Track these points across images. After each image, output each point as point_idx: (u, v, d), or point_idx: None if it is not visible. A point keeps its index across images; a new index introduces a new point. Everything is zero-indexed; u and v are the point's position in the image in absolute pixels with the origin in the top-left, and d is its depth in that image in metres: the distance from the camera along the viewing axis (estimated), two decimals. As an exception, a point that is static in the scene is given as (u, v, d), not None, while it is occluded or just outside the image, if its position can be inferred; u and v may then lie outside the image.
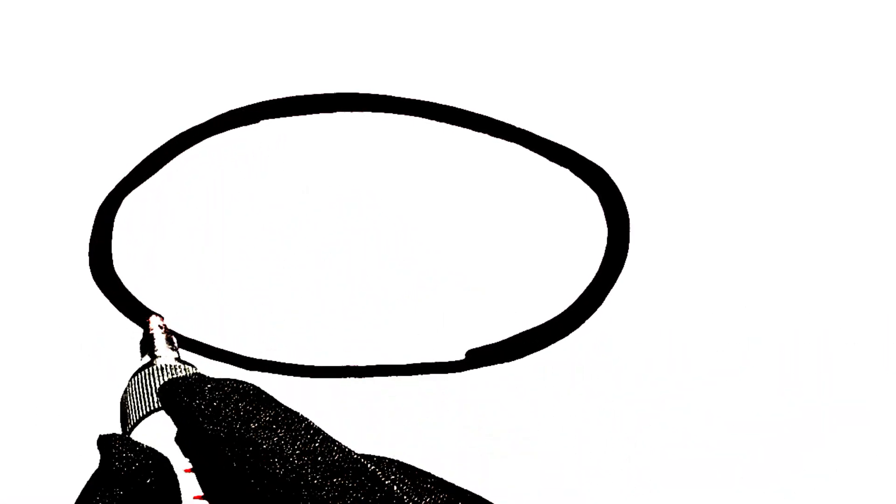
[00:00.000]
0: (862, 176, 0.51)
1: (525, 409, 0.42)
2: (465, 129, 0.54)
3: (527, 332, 0.44)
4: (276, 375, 0.43)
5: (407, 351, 0.44)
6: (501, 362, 0.44)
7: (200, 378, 0.32)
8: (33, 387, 0.42)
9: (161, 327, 0.40)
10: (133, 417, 0.36)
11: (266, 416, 0.29)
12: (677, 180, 0.52)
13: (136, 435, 0.35)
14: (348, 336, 0.44)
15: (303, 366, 0.43)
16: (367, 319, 0.45)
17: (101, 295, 0.46)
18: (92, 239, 0.48)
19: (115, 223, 0.49)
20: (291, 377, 0.43)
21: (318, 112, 0.55)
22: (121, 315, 0.45)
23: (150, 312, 0.41)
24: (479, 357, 0.43)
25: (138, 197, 0.50)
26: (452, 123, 0.54)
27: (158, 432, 0.35)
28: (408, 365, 0.43)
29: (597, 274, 0.47)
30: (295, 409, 0.30)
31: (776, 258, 0.48)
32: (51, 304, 0.45)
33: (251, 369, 0.43)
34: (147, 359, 0.39)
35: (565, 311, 0.45)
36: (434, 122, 0.54)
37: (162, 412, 0.35)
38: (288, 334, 0.44)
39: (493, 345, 0.44)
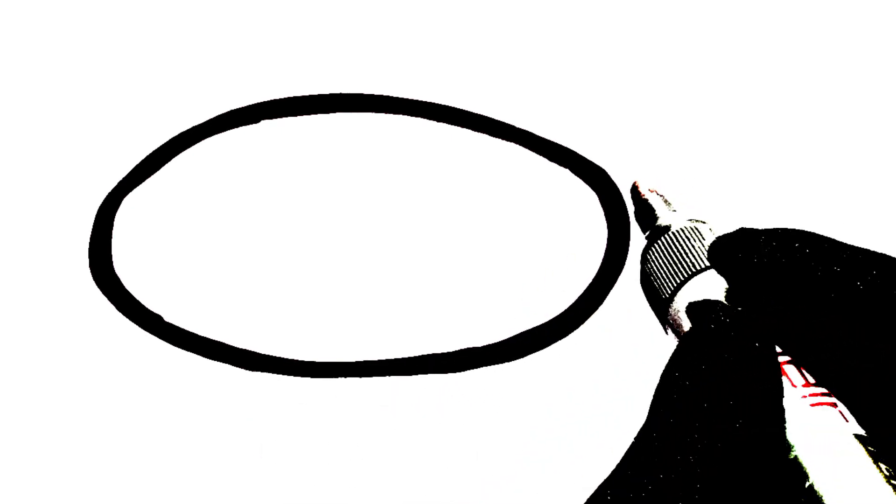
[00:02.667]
0: (862, 177, 0.51)
1: (525, 410, 0.42)
2: (465, 129, 0.54)
3: (527, 332, 0.44)
4: (276, 376, 0.43)
5: (406, 351, 0.44)
6: (501, 362, 0.44)
7: (750, 230, 0.30)
8: (33, 387, 0.42)
9: (652, 191, 0.38)
10: (667, 289, 0.34)
11: (841, 254, 0.27)
12: (677, 180, 0.51)
13: (677, 304, 0.33)
14: (348, 336, 0.44)
15: (303, 366, 0.43)
16: (366, 319, 0.45)
17: (101, 295, 0.46)
18: (92, 239, 0.48)
19: (115, 223, 0.49)
20: (291, 377, 0.43)
21: (318, 112, 0.55)
22: (121, 315, 0.45)
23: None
24: (479, 357, 0.43)
25: (138, 197, 0.50)
26: (452, 123, 0.54)
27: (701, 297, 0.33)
28: (407, 365, 0.43)
29: (597, 274, 0.47)
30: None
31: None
32: (51, 304, 0.45)
33: (252, 369, 0.43)
34: (654, 229, 0.37)
35: (565, 311, 0.45)
36: (434, 122, 0.54)
37: (696, 277, 0.33)
38: (288, 334, 0.44)
39: (493, 345, 0.44)
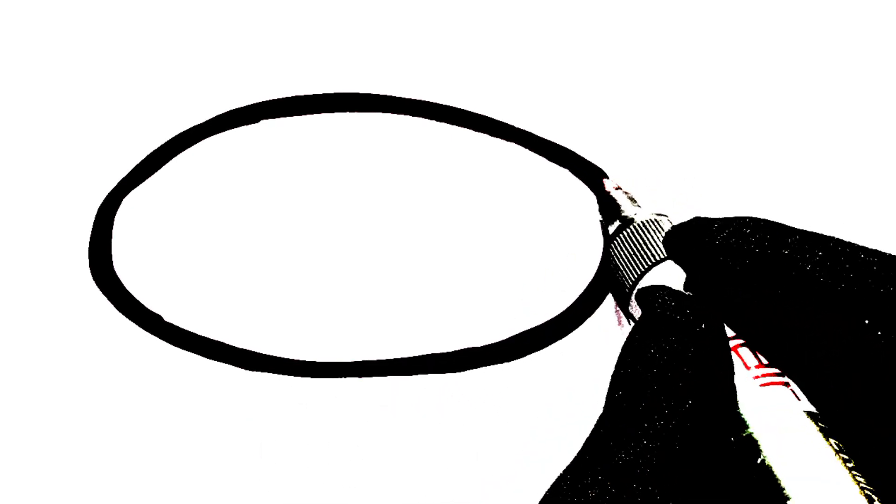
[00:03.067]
0: (862, 178, 0.51)
1: (525, 410, 0.42)
2: (465, 129, 0.54)
3: (527, 332, 0.44)
4: (276, 376, 0.43)
5: (406, 351, 0.44)
6: (501, 362, 0.44)
7: (703, 219, 0.31)
8: (33, 387, 0.42)
9: (617, 188, 0.40)
10: (629, 280, 0.35)
11: (791, 238, 0.27)
12: (677, 180, 0.51)
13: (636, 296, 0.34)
14: (348, 336, 0.44)
15: (302, 365, 0.43)
16: (366, 319, 0.45)
17: (101, 295, 0.46)
18: (91, 239, 0.48)
19: (115, 223, 0.49)
20: (291, 377, 0.43)
21: (318, 112, 0.55)
22: (121, 315, 0.45)
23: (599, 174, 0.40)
24: (479, 357, 0.43)
25: (138, 197, 0.50)
26: (452, 123, 0.54)
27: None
28: (407, 365, 0.43)
29: (597, 274, 0.47)
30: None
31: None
32: (50, 304, 0.45)
33: (252, 369, 0.43)
34: (616, 224, 0.38)
35: (565, 311, 0.45)
36: (434, 122, 0.54)
37: (655, 268, 0.34)
38: (288, 334, 0.44)
39: (493, 345, 0.44)
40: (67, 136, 0.53)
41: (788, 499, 0.25)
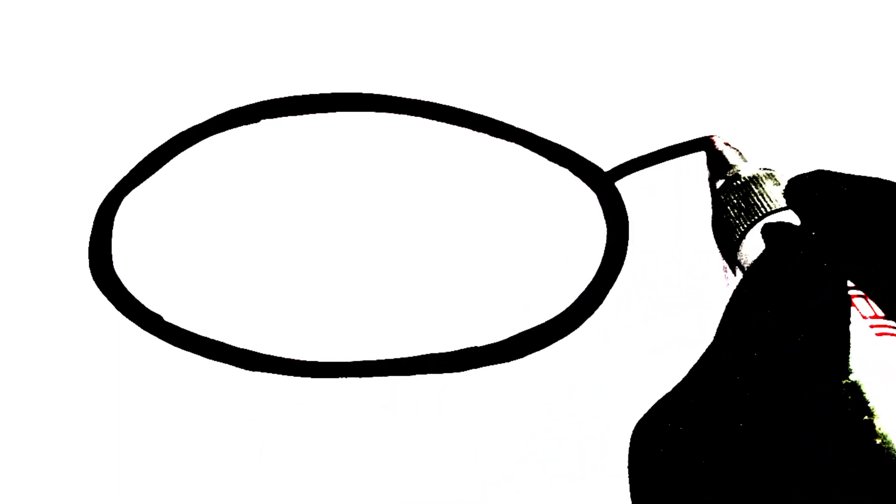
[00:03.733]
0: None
1: (525, 410, 0.42)
2: (465, 129, 0.54)
3: (527, 332, 0.44)
4: (276, 376, 0.43)
5: (406, 351, 0.44)
6: (501, 362, 0.44)
7: (826, 172, 0.31)
8: (33, 387, 0.42)
9: (726, 143, 0.41)
10: (740, 228, 0.36)
11: None
12: (677, 180, 0.51)
13: (746, 243, 0.35)
14: (348, 336, 0.44)
15: (302, 365, 0.43)
16: (366, 319, 0.45)
17: (101, 295, 0.46)
18: (91, 238, 0.48)
19: (115, 223, 0.49)
20: (291, 377, 0.43)
21: (318, 112, 0.55)
22: (120, 315, 0.45)
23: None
24: (479, 357, 0.43)
25: (138, 196, 0.50)
26: (452, 123, 0.54)
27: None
28: (407, 365, 0.43)
29: (597, 274, 0.47)
30: None
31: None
32: (50, 304, 0.45)
33: (252, 369, 0.43)
34: (726, 177, 0.40)
35: (565, 311, 0.45)
36: (434, 122, 0.54)
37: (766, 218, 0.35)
38: (288, 334, 0.44)
39: (493, 345, 0.44)
40: (67, 136, 0.53)
41: (888, 446, 0.24)
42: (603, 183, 0.51)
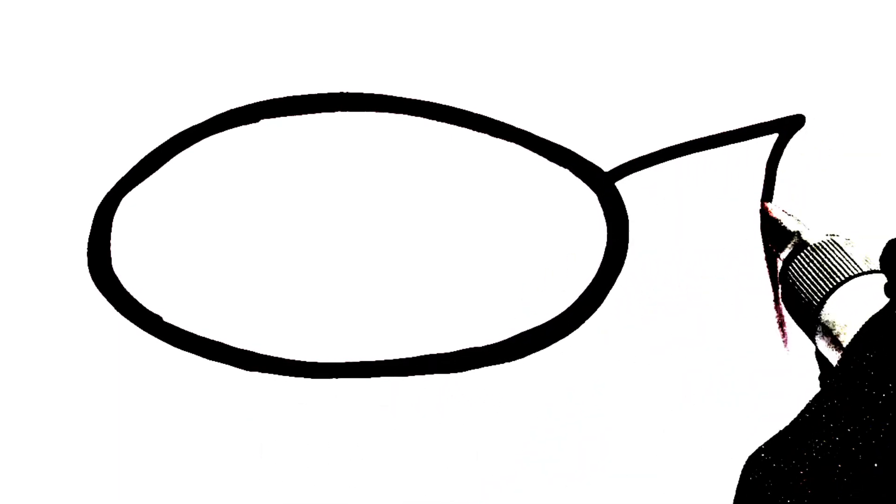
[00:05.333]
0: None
1: (525, 410, 0.42)
2: (465, 129, 0.54)
3: (527, 332, 0.44)
4: (276, 376, 0.43)
5: (406, 351, 0.44)
6: (501, 362, 0.44)
7: None
8: (33, 387, 0.42)
9: (783, 210, 0.42)
10: (816, 298, 0.36)
11: None
12: (677, 180, 0.52)
13: (829, 307, 0.36)
14: (348, 336, 0.44)
15: (302, 365, 0.43)
16: (366, 319, 0.45)
17: (100, 295, 0.46)
18: (91, 238, 0.48)
19: (115, 223, 0.49)
20: (291, 377, 0.43)
21: (318, 112, 0.55)
22: (120, 315, 0.45)
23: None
24: (480, 357, 0.43)
25: (138, 196, 0.50)
26: (452, 123, 0.54)
27: (856, 298, 0.35)
28: (407, 365, 0.43)
29: (597, 274, 0.47)
30: None
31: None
32: (50, 304, 0.45)
33: (252, 369, 0.43)
34: (790, 246, 0.40)
35: (565, 311, 0.45)
36: (434, 122, 0.54)
37: (852, 282, 0.35)
38: (288, 334, 0.44)
39: (493, 345, 0.44)
40: (67, 137, 0.53)
41: None
42: (603, 183, 0.51)
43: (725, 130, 0.53)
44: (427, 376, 0.43)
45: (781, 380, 0.43)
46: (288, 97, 0.54)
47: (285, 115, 0.54)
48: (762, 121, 0.54)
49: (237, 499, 0.39)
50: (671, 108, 0.55)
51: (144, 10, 0.60)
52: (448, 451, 0.41)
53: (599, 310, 0.46)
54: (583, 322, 0.45)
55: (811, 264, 0.38)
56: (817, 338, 0.36)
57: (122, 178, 0.51)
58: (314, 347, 0.44)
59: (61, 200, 0.49)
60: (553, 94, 0.55)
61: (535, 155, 0.53)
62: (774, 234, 0.41)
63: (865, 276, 0.36)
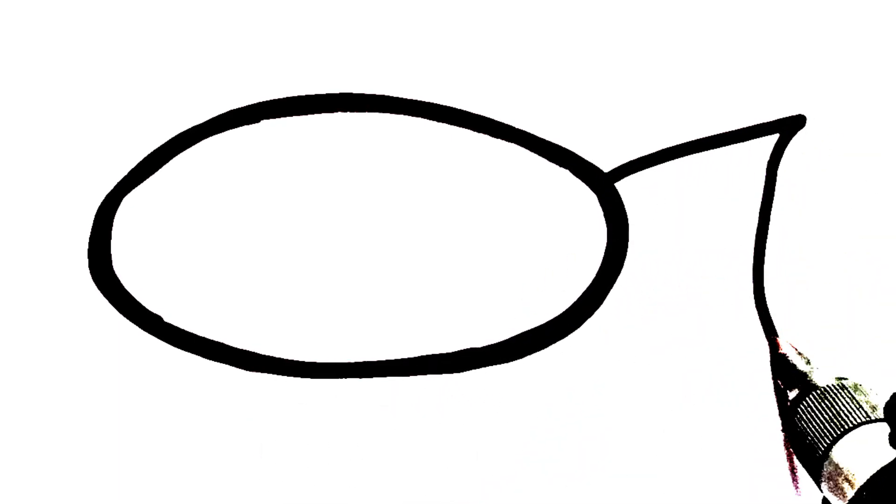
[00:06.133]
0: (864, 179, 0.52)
1: (525, 410, 0.42)
2: (465, 129, 0.54)
3: (527, 332, 0.44)
4: (276, 376, 0.43)
5: (407, 351, 0.44)
6: (501, 362, 0.44)
7: None
8: (33, 387, 0.42)
9: (792, 346, 0.41)
10: (822, 444, 0.36)
11: None
12: (677, 180, 0.52)
13: (836, 453, 0.36)
14: (348, 336, 0.44)
15: (303, 366, 0.43)
16: (366, 319, 0.45)
17: (101, 295, 0.46)
18: (91, 238, 0.48)
19: (115, 223, 0.49)
20: (291, 377, 0.43)
21: (318, 112, 0.55)
22: (120, 315, 0.45)
23: (772, 334, 0.42)
24: (480, 357, 0.43)
25: (138, 197, 0.50)
26: (452, 123, 0.54)
27: (863, 447, 0.35)
28: (407, 365, 0.43)
29: (597, 274, 0.47)
30: None
31: (777, 257, 0.48)
32: (50, 304, 0.45)
33: (252, 369, 0.43)
34: (797, 389, 0.39)
35: (565, 311, 0.45)
36: (434, 122, 0.54)
37: (859, 429, 0.36)
38: (288, 334, 0.44)
39: (493, 345, 0.44)
40: (68, 137, 0.53)
41: None
42: (603, 184, 0.51)
43: (725, 130, 0.53)
44: (427, 376, 0.43)
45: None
46: (288, 97, 0.54)
47: (285, 115, 0.54)
48: (763, 121, 0.54)
49: (237, 499, 0.39)
50: (671, 108, 0.55)
51: (144, 10, 0.60)
52: (448, 451, 0.41)
53: (599, 310, 0.46)
54: (583, 322, 0.45)
55: (819, 408, 0.38)
56: (822, 484, 0.36)
57: (123, 179, 0.51)
58: (314, 347, 0.44)
59: (62, 201, 0.50)
60: (553, 95, 0.55)
61: (535, 155, 0.53)
62: (783, 370, 0.41)
63: (873, 424, 0.36)
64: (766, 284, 0.46)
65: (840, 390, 0.38)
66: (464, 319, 0.45)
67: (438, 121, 0.54)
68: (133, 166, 0.51)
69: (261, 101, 0.54)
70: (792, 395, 0.40)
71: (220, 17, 0.60)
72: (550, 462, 0.40)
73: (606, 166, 0.52)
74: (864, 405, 0.37)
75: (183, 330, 0.44)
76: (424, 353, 0.44)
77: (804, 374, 0.39)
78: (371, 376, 0.43)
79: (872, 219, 0.50)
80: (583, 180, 0.52)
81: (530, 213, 0.50)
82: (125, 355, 0.44)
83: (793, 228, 0.49)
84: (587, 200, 0.51)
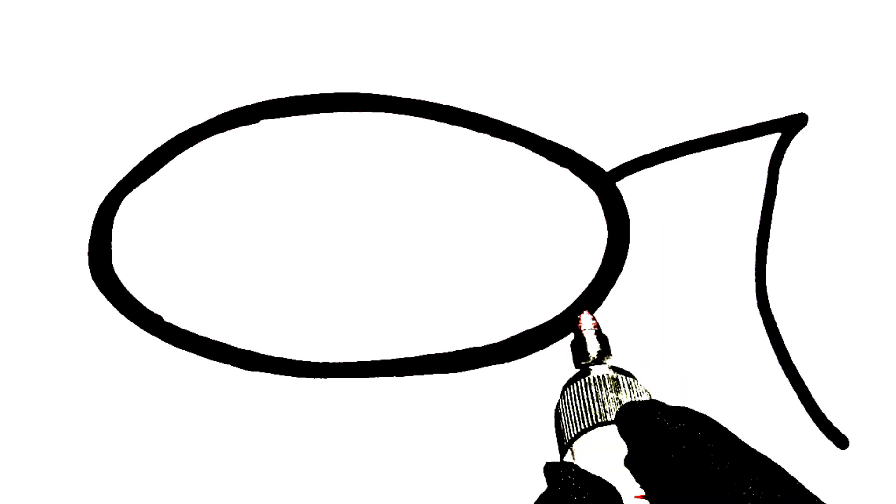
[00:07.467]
0: (864, 179, 0.52)
1: (525, 410, 0.42)
2: (465, 129, 0.54)
3: (527, 332, 0.44)
4: (276, 376, 0.43)
5: (407, 351, 0.44)
6: (501, 362, 0.44)
7: (657, 405, 0.32)
8: (33, 387, 0.42)
9: (593, 327, 0.40)
10: (570, 432, 0.36)
11: (723, 459, 0.29)
12: (677, 180, 0.52)
13: (577, 447, 0.35)
14: (348, 336, 0.44)
15: (303, 365, 0.43)
16: (366, 319, 0.45)
17: (101, 295, 0.46)
18: (91, 239, 0.48)
19: (115, 223, 0.49)
20: (291, 377, 0.43)
21: (318, 112, 0.55)
22: (120, 315, 0.45)
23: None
24: (479, 357, 0.43)
25: (138, 197, 0.50)
26: (452, 123, 0.54)
27: (599, 448, 0.34)
28: (408, 364, 0.43)
29: (597, 274, 0.47)
30: (757, 450, 0.29)
31: (776, 256, 0.48)
32: (50, 303, 0.45)
33: (252, 369, 0.43)
34: (577, 370, 0.39)
35: (565, 311, 0.45)
36: (434, 122, 0.54)
37: (601, 429, 0.35)
38: (288, 334, 0.44)
39: (493, 345, 0.44)
40: (67, 136, 0.53)
41: None
42: (604, 183, 0.51)
43: (726, 130, 0.53)
44: (427, 376, 0.43)
45: (780, 379, 0.43)
46: (288, 97, 0.54)
47: (285, 115, 0.54)
48: (764, 120, 0.54)
49: (237, 499, 0.39)
50: (671, 108, 0.55)
51: (144, 10, 0.60)
52: (448, 451, 0.41)
53: (599, 310, 0.46)
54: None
55: (577, 395, 0.37)
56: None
57: (123, 179, 0.51)
58: (314, 347, 0.44)
59: (62, 201, 0.50)
60: (553, 94, 0.55)
61: (535, 155, 0.53)
62: (576, 348, 0.40)
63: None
64: (768, 284, 0.46)
65: (606, 382, 0.36)
66: (464, 319, 0.45)
67: (438, 121, 0.54)
68: (133, 166, 0.51)
69: (261, 101, 0.54)
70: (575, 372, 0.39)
71: (221, 17, 0.60)
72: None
73: (607, 165, 0.52)
74: (613, 404, 0.36)
75: (183, 330, 0.44)
76: (424, 353, 0.44)
77: (587, 356, 0.39)
78: (371, 376, 0.43)
79: (873, 218, 0.50)
80: (583, 179, 0.52)
81: (531, 212, 0.50)
82: (125, 355, 0.44)
83: (795, 228, 0.49)
84: (588, 200, 0.51)
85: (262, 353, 0.44)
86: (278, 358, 0.43)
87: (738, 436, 0.30)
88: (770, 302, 0.46)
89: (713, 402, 0.41)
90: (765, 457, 0.29)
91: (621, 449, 0.33)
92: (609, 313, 0.45)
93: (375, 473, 0.40)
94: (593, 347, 0.40)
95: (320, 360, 0.43)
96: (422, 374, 0.43)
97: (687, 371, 0.42)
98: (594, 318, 0.41)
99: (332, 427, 0.41)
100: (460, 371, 0.44)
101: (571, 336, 0.41)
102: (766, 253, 0.47)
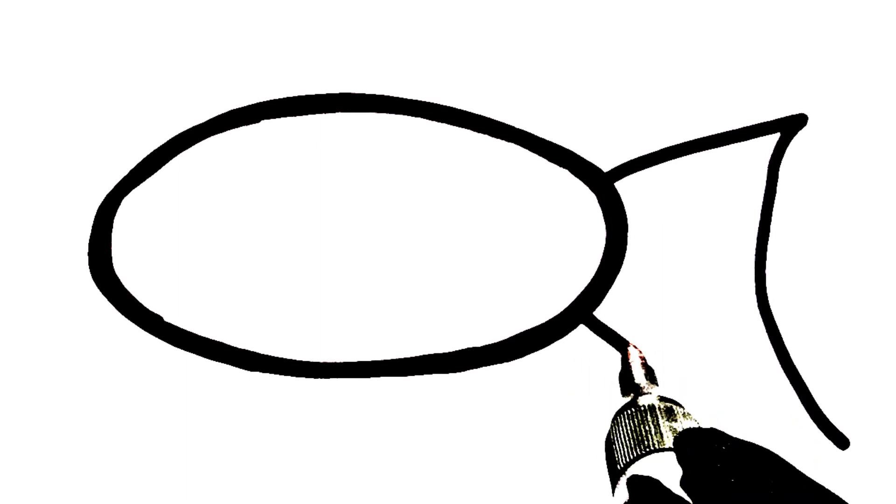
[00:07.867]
0: (865, 179, 0.52)
1: (525, 410, 0.42)
2: (466, 130, 0.54)
3: (527, 332, 0.44)
4: (276, 376, 0.43)
5: (407, 351, 0.44)
6: (501, 362, 0.44)
7: (716, 431, 0.33)
8: (34, 386, 0.42)
9: (641, 359, 0.41)
10: (623, 460, 0.37)
11: (780, 484, 0.30)
12: (677, 180, 0.52)
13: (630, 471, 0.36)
14: (348, 336, 0.44)
15: (303, 365, 0.43)
16: (366, 319, 0.45)
17: (101, 294, 0.46)
18: (91, 238, 0.48)
19: (116, 223, 0.49)
20: (291, 377, 0.43)
21: (318, 112, 0.55)
22: (120, 315, 0.45)
23: (625, 343, 0.43)
24: (479, 357, 0.43)
25: (138, 197, 0.50)
26: (452, 123, 0.54)
27: (657, 472, 0.36)
28: (408, 365, 0.43)
29: (595, 274, 0.47)
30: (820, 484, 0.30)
31: (776, 257, 0.48)
32: (51, 303, 0.45)
33: (252, 369, 0.43)
34: (629, 397, 0.40)
35: (565, 310, 0.45)
36: (434, 122, 0.54)
37: (655, 454, 0.36)
38: (288, 334, 0.44)
39: (493, 345, 0.44)
40: (68, 136, 0.53)
41: None
42: (602, 183, 0.51)
43: (726, 130, 0.53)
44: (427, 376, 0.43)
45: (779, 379, 0.43)
46: (288, 97, 0.54)
47: (285, 115, 0.54)
48: (764, 120, 0.54)
49: (237, 499, 0.39)
50: (671, 108, 0.55)
51: (145, 10, 0.60)
52: (448, 451, 0.41)
53: (599, 310, 0.46)
54: (582, 322, 0.45)
55: (629, 423, 0.38)
56: (617, 497, 0.37)
57: (123, 179, 0.51)
58: (314, 347, 0.44)
59: (62, 201, 0.50)
60: (552, 94, 0.55)
61: (535, 155, 0.53)
62: (624, 377, 0.41)
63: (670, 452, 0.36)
64: (768, 284, 0.46)
65: (659, 412, 0.38)
66: (464, 319, 0.45)
67: (438, 121, 0.54)
68: (133, 166, 0.51)
69: (261, 101, 0.54)
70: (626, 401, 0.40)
71: (221, 17, 0.60)
72: (550, 462, 0.40)
73: (606, 166, 0.52)
74: (666, 431, 0.37)
75: (183, 330, 0.44)
76: (424, 353, 0.44)
77: (638, 388, 0.40)
78: (371, 376, 0.43)
79: (873, 218, 0.50)
80: (582, 180, 0.52)
81: (530, 212, 0.50)
82: (125, 355, 0.44)
83: (794, 228, 0.49)
84: (586, 200, 0.51)
85: (262, 353, 0.43)
86: (278, 358, 0.43)
87: (795, 466, 0.31)
88: (770, 302, 0.46)
89: (713, 402, 0.41)
90: (818, 484, 0.30)
91: (675, 474, 0.34)
92: (608, 313, 0.45)
93: (375, 473, 0.40)
94: (641, 378, 0.40)
95: (320, 360, 0.43)
96: (422, 374, 0.43)
97: (687, 371, 0.42)
98: (640, 351, 0.42)
99: (333, 427, 0.41)
100: (460, 371, 0.44)
101: (619, 368, 0.42)
102: (765, 253, 0.47)
